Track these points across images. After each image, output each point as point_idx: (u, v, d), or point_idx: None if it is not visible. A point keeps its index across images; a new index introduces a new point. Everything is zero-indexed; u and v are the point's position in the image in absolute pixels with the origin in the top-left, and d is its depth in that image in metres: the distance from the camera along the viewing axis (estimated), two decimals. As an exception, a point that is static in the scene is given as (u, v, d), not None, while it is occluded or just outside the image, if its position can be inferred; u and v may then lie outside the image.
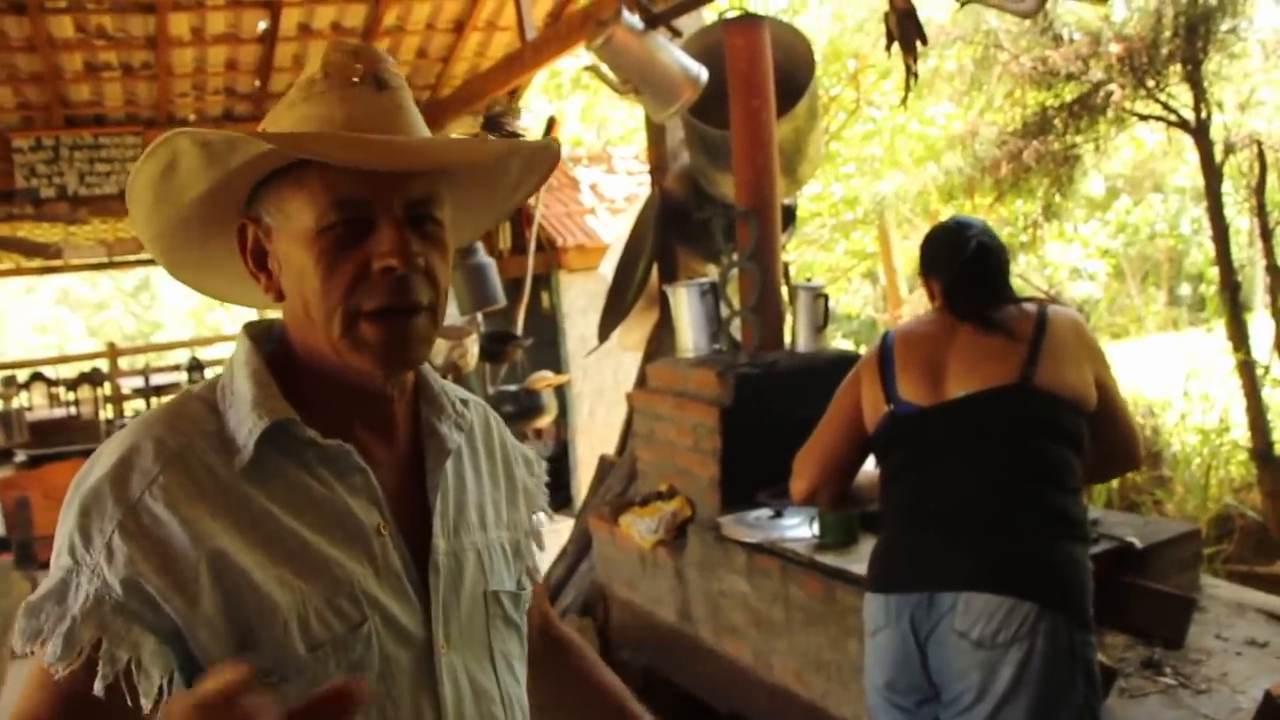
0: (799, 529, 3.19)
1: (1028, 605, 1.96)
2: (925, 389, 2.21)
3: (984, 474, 2.11)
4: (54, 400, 10.16)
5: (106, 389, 10.14)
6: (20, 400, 9.97)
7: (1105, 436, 2.20)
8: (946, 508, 2.12)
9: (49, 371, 10.50)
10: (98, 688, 0.87)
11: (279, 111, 1.03)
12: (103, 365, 10.42)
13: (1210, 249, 6.61)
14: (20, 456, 8.42)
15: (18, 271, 10.53)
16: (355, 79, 1.01)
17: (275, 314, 1.11)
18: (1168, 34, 6.10)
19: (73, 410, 9.81)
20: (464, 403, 1.19)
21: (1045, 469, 2.09)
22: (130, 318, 26.13)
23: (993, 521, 2.07)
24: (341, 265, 0.98)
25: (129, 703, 0.88)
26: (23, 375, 10.27)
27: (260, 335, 1.08)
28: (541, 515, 1.30)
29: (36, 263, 9.55)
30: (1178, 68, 6.13)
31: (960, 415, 2.17)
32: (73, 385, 10.03)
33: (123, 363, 10.92)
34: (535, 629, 1.30)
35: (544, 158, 1.14)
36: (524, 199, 1.21)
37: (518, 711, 1.13)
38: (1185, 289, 15.39)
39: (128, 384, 10.53)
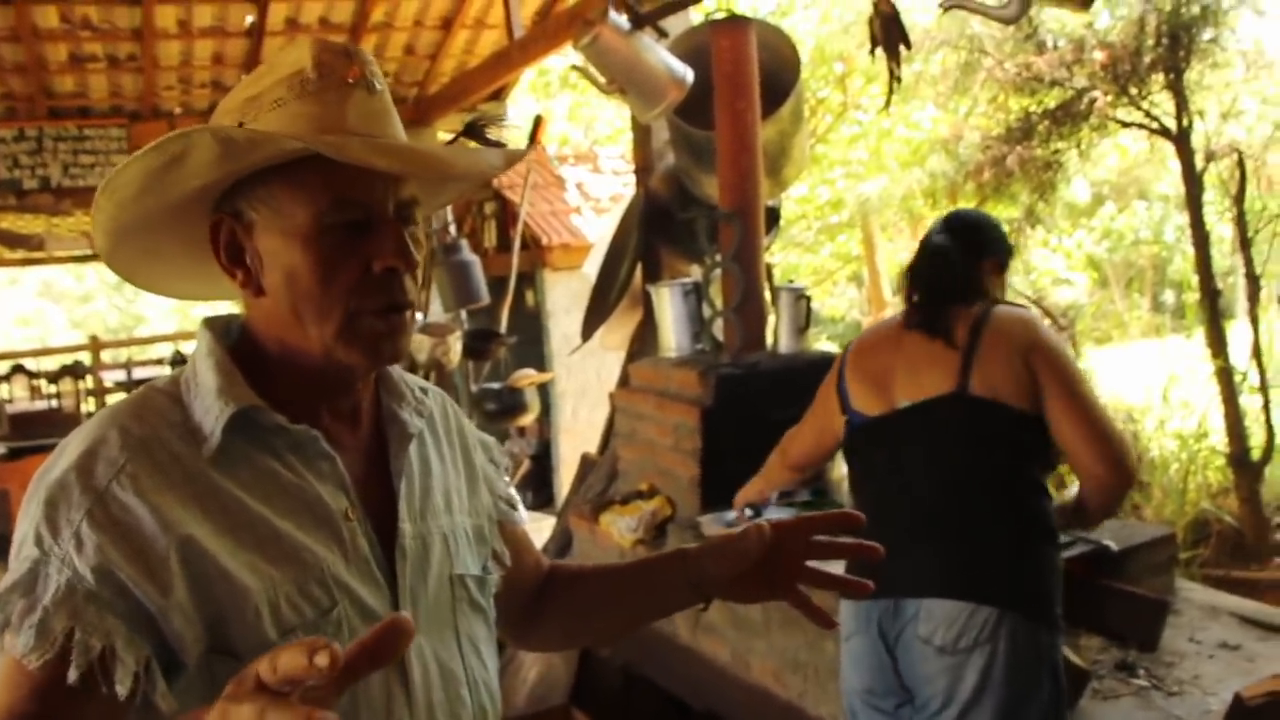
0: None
1: (987, 610, 1.97)
2: (874, 399, 2.24)
3: (934, 482, 2.12)
4: (35, 393, 10.10)
5: (88, 382, 10.08)
6: (1, 393, 9.91)
7: (1060, 443, 2.11)
8: (904, 515, 2.13)
9: (30, 364, 10.43)
10: (72, 676, 0.87)
11: (259, 107, 1.01)
12: (85, 358, 10.35)
13: (1193, 256, 6.65)
14: (0, 449, 8.38)
15: (0, 263, 10.47)
16: (351, 80, 1.01)
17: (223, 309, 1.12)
18: (1150, 42, 6.15)
19: (54, 403, 9.75)
20: (423, 390, 1.20)
21: (992, 474, 2.09)
22: (114, 311, 25.97)
23: (948, 528, 2.08)
24: (342, 267, 0.99)
25: (104, 690, 0.88)
26: (4, 367, 10.21)
27: (220, 329, 1.08)
28: (511, 498, 1.32)
29: (19, 254, 9.49)
30: (1160, 76, 6.17)
31: (906, 425, 2.18)
32: (54, 378, 9.97)
33: (105, 356, 10.85)
34: (537, 579, 1.35)
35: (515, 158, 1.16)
36: (461, 194, 1.24)
37: (484, 693, 1.13)
38: (1169, 296, 15.48)
39: (110, 377, 10.47)
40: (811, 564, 1.19)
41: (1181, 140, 6.25)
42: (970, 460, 2.10)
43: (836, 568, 1.24)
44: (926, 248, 2.32)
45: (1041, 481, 2.13)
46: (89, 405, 9.89)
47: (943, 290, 2.24)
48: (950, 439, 2.12)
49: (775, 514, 3.31)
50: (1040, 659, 1.98)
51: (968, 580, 2.01)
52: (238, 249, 1.04)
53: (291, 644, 0.65)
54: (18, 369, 10.14)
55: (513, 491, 1.32)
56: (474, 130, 1.15)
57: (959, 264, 2.26)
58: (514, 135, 9.72)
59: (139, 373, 10.20)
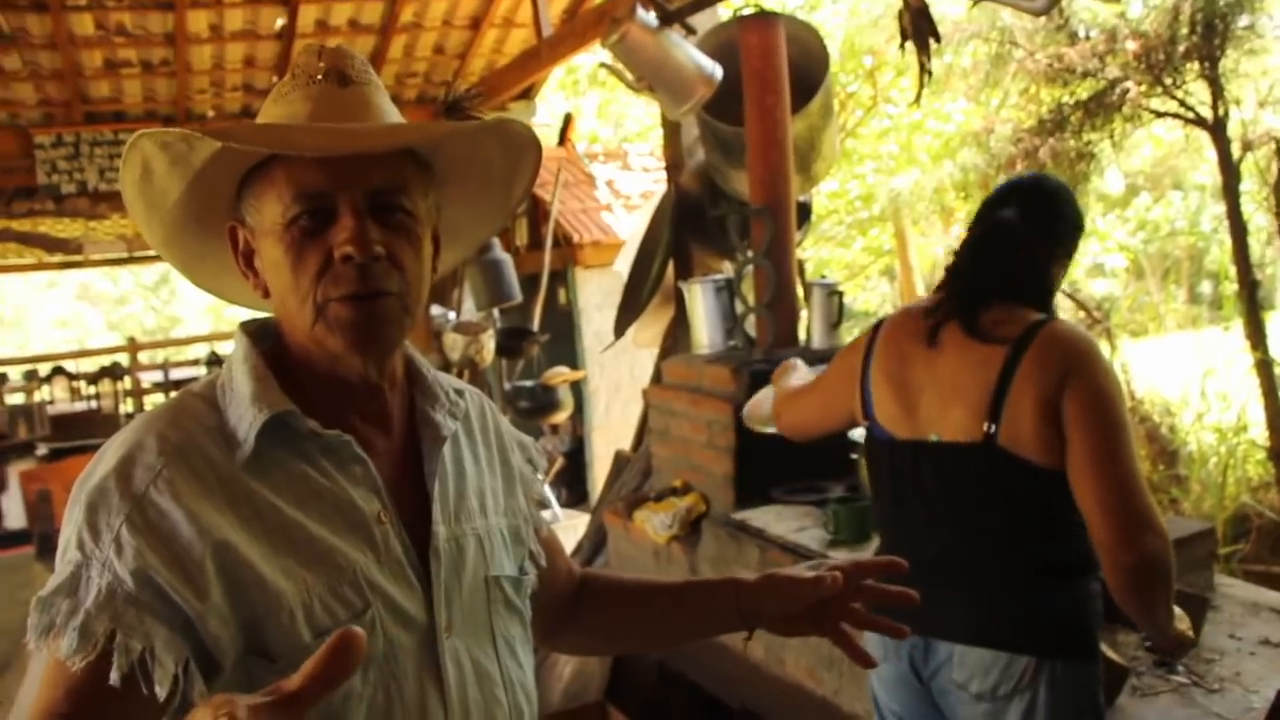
0: (811, 529, 3.20)
1: (1025, 659, 1.86)
2: (902, 418, 2.04)
3: (960, 528, 1.96)
4: (75, 394, 10.26)
5: (126, 383, 10.22)
6: (42, 394, 10.06)
7: (1078, 504, 1.84)
8: (932, 553, 1.97)
9: (70, 366, 10.60)
10: (113, 678, 0.89)
11: (260, 115, 1.07)
12: (123, 360, 10.50)
13: (1230, 246, 6.57)
14: (42, 450, 8.52)
15: (39, 267, 10.61)
16: (318, 76, 1.03)
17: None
18: (1185, 31, 6.06)
19: (93, 404, 9.91)
20: (458, 392, 1.21)
21: (1020, 528, 1.92)
22: (150, 313, 26.28)
23: (978, 573, 1.94)
24: (307, 255, 1.00)
25: (144, 691, 0.90)
26: (44, 369, 10.37)
27: (257, 332, 1.10)
28: (543, 498, 1.32)
29: (58, 258, 9.63)
30: (1195, 65, 6.09)
31: (929, 462, 1.99)
32: (93, 379, 10.13)
33: (142, 357, 11.00)
34: (569, 585, 1.36)
35: (520, 143, 1.14)
36: (522, 194, 1.21)
37: (519, 693, 1.14)
38: (1206, 287, 15.29)
39: (147, 378, 10.62)
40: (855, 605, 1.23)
41: (1217, 129, 6.16)
42: (996, 513, 1.93)
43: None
44: (988, 225, 2.02)
45: (1077, 519, 1.87)
46: (127, 406, 10.03)
47: (1000, 284, 1.96)
48: (976, 490, 1.94)
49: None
50: (1080, 698, 1.89)
51: (1001, 629, 1.89)
52: (251, 253, 1.07)
53: (204, 704, 0.65)
54: (58, 371, 10.31)
55: (546, 491, 1.32)
56: (454, 109, 1.16)
57: (1028, 251, 1.97)
58: (544, 134, 9.74)
59: (176, 373, 10.33)
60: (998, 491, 1.91)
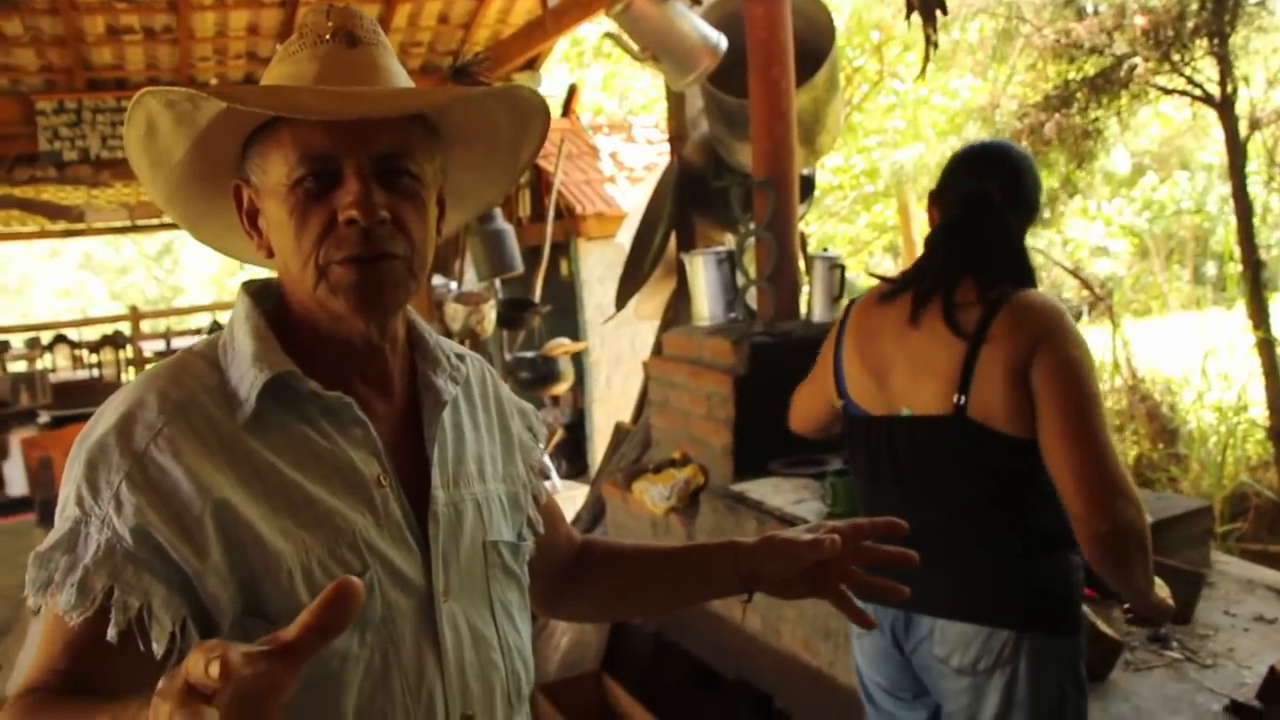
0: (809, 501, 3.21)
1: (1005, 633, 1.86)
2: (874, 394, 2.04)
3: (935, 502, 1.95)
4: (77, 362, 10.28)
5: (128, 351, 10.24)
6: (44, 362, 10.09)
7: (1049, 472, 1.83)
8: (908, 529, 1.96)
9: (72, 334, 10.62)
10: (111, 634, 0.89)
11: (266, 74, 1.06)
12: (125, 328, 10.52)
13: (1235, 226, 6.55)
14: (44, 417, 8.54)
15: (42, 235, 10.62)
16: (326, 36, 1.03)
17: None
18: (1194, 7, 6.02)
19: (95, 372, 9.93)
20: (460, 357, 1.20)
21: (994, 499, 1.91)
22: (153, 282, 26.28)
23: (954, 549, 1.92)
24: (311, 218, 1.00)
25: (141, 649, 0.90)
26: (46, 337, 10.39)
27: (259, 293, 1.10)
28: (544, 466, 1.32)
29: (60, 226, 9.63)
30: (1204, 41, 6.05)
31: (906, 437, 1.98)
32: (95, 348, 10.15)
33: (145, 326, 11.01)
34: (569, 553, 1.37)
35: (528, 108, 1.13)
36: (529, 158, 1.20)
37: (516, 658, 1.15)
38: (1210, 267, 15.24)
39: (150, 347, 10.64)
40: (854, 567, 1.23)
41: (1225, 107, 6.13)
42: (970, 485, 1.92)
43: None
44: (961, 200, 1.99)
45: (1051, 491, 1.86)
46: (129, 374, 10.04)
47: (977, 260, 1.93)
48: (949, 463, 1.93)
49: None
50: (1063, 671, 1.89)
51: (980, 603, 1.89)
52: (255, 212, 1.07)
53: (199, 647, 0.65)
54: (60, 339, 10.33)
55: (546, 461, 1.33)
56: (463, 74, 1.15)
57: (1003, 225, 1.95)
58: (549, 104, 9.72)
59: (178, 342, 10.35)
60: (970, 464, 1.91)
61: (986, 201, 1.95)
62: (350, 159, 0.99)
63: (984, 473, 1.90)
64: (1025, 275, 1.94)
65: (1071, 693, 1.90)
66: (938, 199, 2.07)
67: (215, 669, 0.62)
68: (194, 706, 0.63)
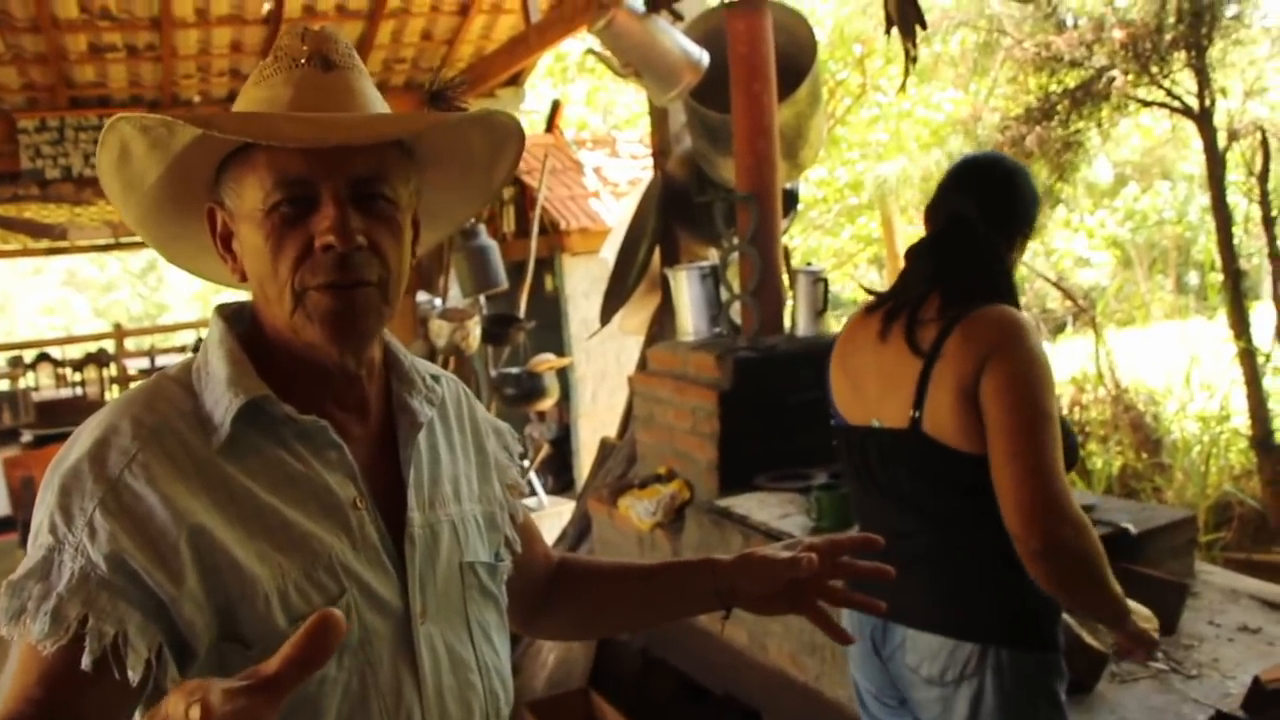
0: (794, 516, 3.21)
1: (969, 645, 1.85)
2: (853, 403, 2.07)
3: (903, 513, 1.97)
4: (60, 381, 10.21)
5: (112, 370, 10.18)
6: (27, 381, 10.02)
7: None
8: (885, 537, 1.96)
9: (55, 352, 10.54)
10: (85, 663, 0.88)
11: (240, 97, 1.05)
12: (109, 346, 10.45)
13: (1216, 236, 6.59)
14: (26, 436, 8.48)
15: (25, 253, 10.55)
16: (301, 60, 1.02)
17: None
18: (1172, 20, 6.08)
19: (79, 391, 9.87)
20: (434, 378, 1.20)
21: (957, 512, 1.91)
22: (137, 299, 26.17)
23: (923, 559, 1.92)
24: (287, 243, 0.99)
25: (117, 677, 0.89)
26: (29, 356, 10.32)
27: (233, 316, 1.09)
28: (521, 485, 1.31)
29: (43, 244, 9.57)
30: (1182, 54, 6.10)
31: (875, 448, 2.01)
32: (79, 366, 10.09)
33: (129, 344, 10.95)
34: (546, 571, 1.36)
35: (504, 133, 1.13)
36: (503, 180, 1.20)
37: (495, 679, 1.14)
38: (1193, 276, 15.32)
39: (134, 365, 10.58)
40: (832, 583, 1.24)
41: (1203, 119, 6.18)
42: (932, 498, 1.93)
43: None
44: (945, 219, 1.98)
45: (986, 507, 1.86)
46: (113, 392, 9.98)
47: (955, 282, 1.92)
48: (910, 476, 1.95)
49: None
50: (1033, 685, 1.87)
51: (946, 615, 1.89)
52: (229, 236, 1.06)
53: (177, 690, 0.64)
54: (43, 357, 10.26)
55: (524, 480, 1.32)
56: (438, 98, 1.15)
57: (986, 248, 1.94)
58: (532, 121, 9.70)
59: (162, 360, 10.29)
60: (929, 477, 1.92)
61: (958, 218, 1.95)
62: (326, 184, 0.99)
63: (943, 486, 1.91)
64: (1002, 292, 1.92)
65: (1045, 708, 1.88)
66: (928, 214, 2.08)
67: (196, 713, 0.61)
68: None
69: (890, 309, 2.00)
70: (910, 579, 1.85)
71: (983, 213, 1.95)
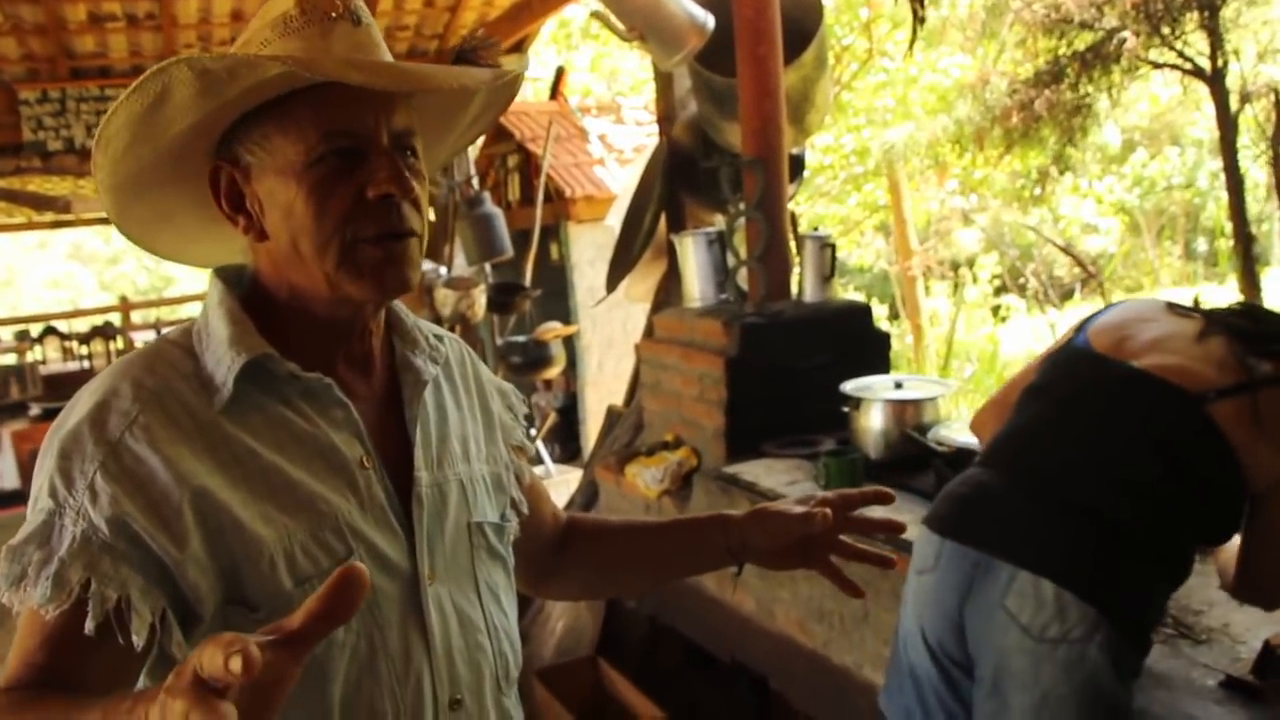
0: (803, 482, 3.20)
1: (1085, 607, 1.76)
2: (1109, 337, 1.99)
3: (1100, 464, 1.88)
4: (67, 354, 10.23)
5: (119, 343, 10.18)
6: (34, 354, 10.03)
7: (1242, 538, 1.95)
8: (1043, 468, 1.93)
9: (62, 326, 10.55)
10: (89, 627, 0.88)
11: (248, 51, 1.00)
12: (115, 319, 10.46)
13: (1226, 202, 6.54)
14: (34, 410, 8.49)
15: (30, 226, 10.56)
16: (334, 14, 1.00)
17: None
18: (1185, -21, 6.01)
19: (85, 364, 9.87)
20: (438, 337, 1.19)
21: (1165, 507, 1.85)
22: (143, 272, 26.17)
23: (1087, 509, 1.85)
24: (335, 196, 0.98)
25: (120, 640, 0.89)
26: (36, 329, 10.33)
27: (232, 279, 1.08)
28: (526, 446, 1.30)
29: (48, 217, 9.57)
30: (1194, 15, 6.04)
31: (1118, 386, 1.93)
32: (85, 339, 10.09)
33: (135, 317, 10.96)
34: (554, 532, 1.36)
35: (507, 91, 1.14)
36: (478, 135, 1.21)
37: (504, 640, 1.14)
38: (1202, 243, 15.24)
39: (140, 338, 10.57)
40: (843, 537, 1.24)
41: (1216, 81, 6.12)
42: (1158, 476, 1.84)
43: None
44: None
45: (1200, 534, 1.91)
46: (120, 365, 10.00)
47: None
48: (1152, 439, 1.86)
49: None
50: (1122, 672, 1.80)
51: (1077, 570, 1.80)
52: (238, 196, 1.03)
53: (212, 641, 0.62)
54: (50, 331, 10.27)
55: (529, 442, 1.31)
56: (465, 57, 1.14)
57: None
58: (536, 88, 9.64)
59: (168, 332, 10.30)
60: (1184, 456, 1.85)
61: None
62: (373, 135, 0.98)
63: (1189, 479, 1.85)
64: None
65: (1124, 697, 1.82)
66: None
67: (237, 663, 0.60)
68: (211, 703, 0.61)
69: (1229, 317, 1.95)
70: (1053, 521, 1.86)
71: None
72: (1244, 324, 1.92)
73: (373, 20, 1.04)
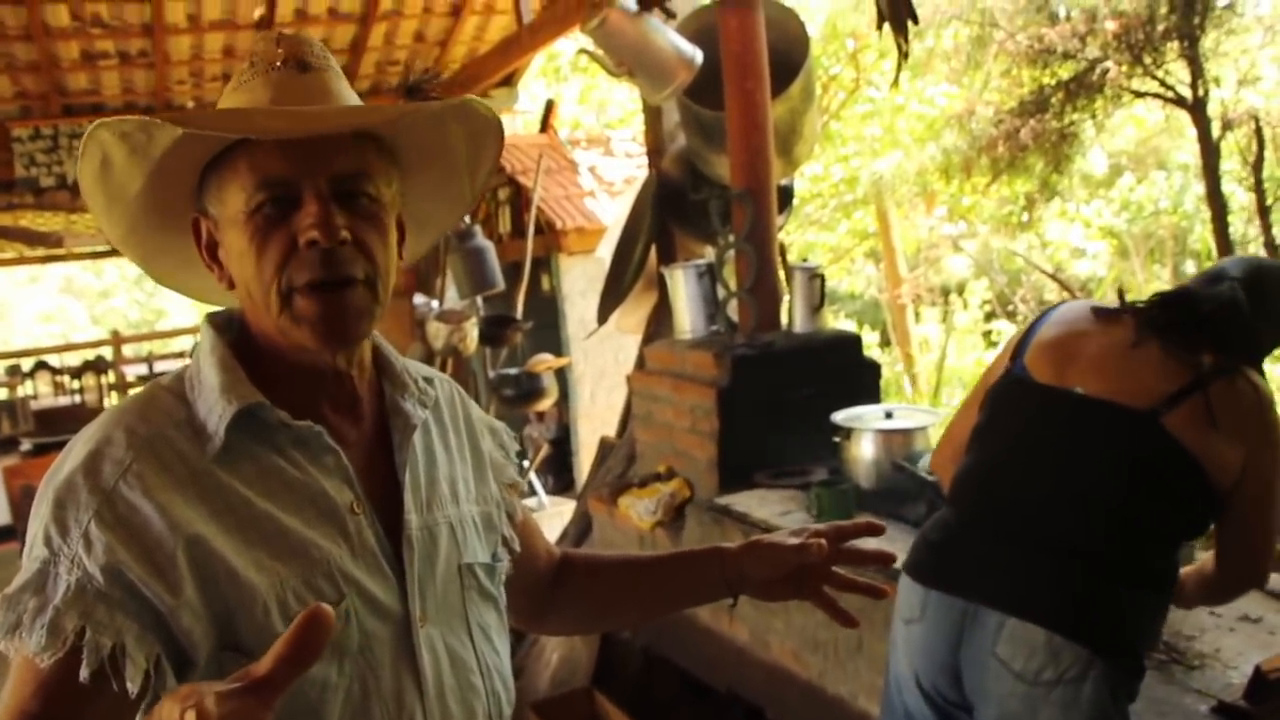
0: (795, 512, 3.21)
1: (1077, 649, 1.76)
2: (1048, 365, 1.98)
3: (1066, 495, 1.88)
4: (59, 389, 10.20)
5: (111, 377, 10.15)
6: (25, 389, 10.00)
7: (1219, 533, 1.96)
8: (1012, 510, 1.93)
9: (53, 360, 10.52)
10: (83, 675, 0.88)
11: (220, 103, 1.06)
12: (107, 353, 10.45)
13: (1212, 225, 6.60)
14: (25, 445, 8.46)
15: (21, 261, 10.54)
16: (277, 64, 1.02)
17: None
18: (1164, 10, 6.09)
19: (77, 398, 9.84)
20: (427, 380, 1.20)
21: (1137, 521, 1.85)
22: (134, 306, 26.11)
23: (1068, 549, 1.85)
24: (271, 243, 0.99)
25: (115, 688, 0.89)
26: (27, 364, 10.30)
27: (222, 324, 1.09)
28: (518, 484, 1.31)
29: (40, 252, 9.57)
30: (1175, 44, 6.11)
31: (1066, 416, 1.93)
32: (77, 373, 10.06)
33: (127, 350, 10.95)
34: (549, 568, 1.37)
35: (483, 126, 1.13)
36: (484, 178, 1.20)
37: (497, 680, 1.14)
38: (1189, 265, 15.30)
39: (132, 372, 10.56)
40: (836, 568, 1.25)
41: (1197, 109, 6.19)
42: (1125, 498, 1.84)
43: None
44: (1211, 293, 1.94)
45: (1179, 541, 1.91)
46: (112, 400, 9.97)
47: (1220, 335, 1.88)
48: (1113, 464, 1.86)
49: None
50: (1118, 704, 1.81)
51: (1063, 611, 1.80)
52: (214, 245, 1.06)
53: (169, 696, 0.64)
54: (41, 365, 10.24)
55: (522, 478, 1.32)
56: (414, 92, 1.14)
57: (1245, 319, 1.90)
58: (526, 121, 9.69)
59: (161, 366, 10.27)
60: (1146, 473, 1.86)
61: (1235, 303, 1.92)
62: (308, 181, 0.99)
63: (1153, 492, 1.85)
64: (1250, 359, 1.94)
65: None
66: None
67: (191, 717, 0.61)
68: None
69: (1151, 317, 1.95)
70: (1033, 562, 1.85)
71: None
72: (1166, 317, 1.92)
73: (330, 65, 1.06)
